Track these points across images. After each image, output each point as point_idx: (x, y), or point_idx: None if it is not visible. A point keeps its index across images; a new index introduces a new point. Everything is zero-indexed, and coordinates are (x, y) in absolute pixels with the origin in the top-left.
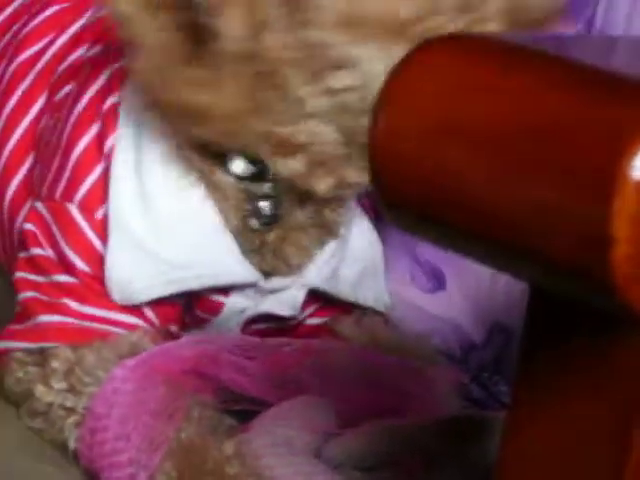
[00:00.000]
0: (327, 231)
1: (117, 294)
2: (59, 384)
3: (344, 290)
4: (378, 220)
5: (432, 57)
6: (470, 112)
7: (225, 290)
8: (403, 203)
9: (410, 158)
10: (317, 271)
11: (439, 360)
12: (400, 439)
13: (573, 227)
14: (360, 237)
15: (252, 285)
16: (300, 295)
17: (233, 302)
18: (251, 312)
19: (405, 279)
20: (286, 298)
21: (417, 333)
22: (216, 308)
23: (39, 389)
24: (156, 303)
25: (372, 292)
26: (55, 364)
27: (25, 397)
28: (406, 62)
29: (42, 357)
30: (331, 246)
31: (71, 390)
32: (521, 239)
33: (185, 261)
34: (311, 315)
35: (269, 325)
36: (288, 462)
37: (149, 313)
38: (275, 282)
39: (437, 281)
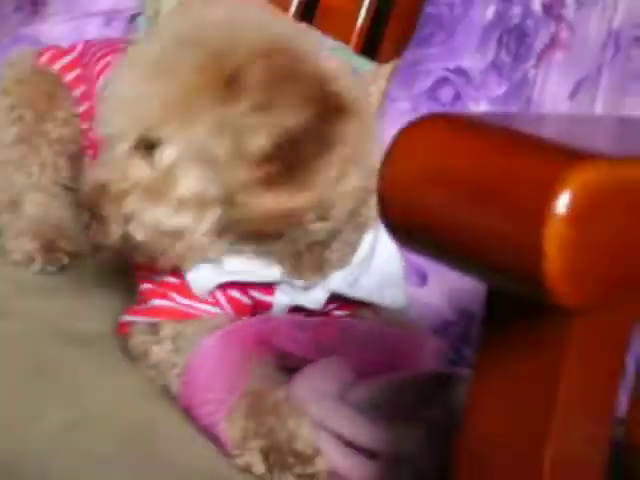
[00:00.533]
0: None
1: (196, 290)
2: (168, 346)
3: (362, 294)
4: None
5: (421, 129)
6: (446, 167)
7: (271, 291)
8: (403, 231)
9: (407, 199)
10: (341, 279)
11: (427, 332)
12: (399, 387)
13: (518, 247)
14: (383, 253)
15: (288, 284)
16: (324, 296)
17: (278, 299)
18: (290, 304)
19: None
20: (313, 296)
21: (409, 316)
22: (268, 306)
23: (154, 349)
24: (229, 299)
25: (389, 296)
26: (164, 332)
27: (143, 354)
28: (403, 132)
29: (155, 328)
30: (357, 258)
31: (176, 351)
32: (483, 255)
33: (237, 269)
34: (337, 308)
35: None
36: (321, 404)
37: (226, 306)
38: (306, 283)
39: (421, 278)
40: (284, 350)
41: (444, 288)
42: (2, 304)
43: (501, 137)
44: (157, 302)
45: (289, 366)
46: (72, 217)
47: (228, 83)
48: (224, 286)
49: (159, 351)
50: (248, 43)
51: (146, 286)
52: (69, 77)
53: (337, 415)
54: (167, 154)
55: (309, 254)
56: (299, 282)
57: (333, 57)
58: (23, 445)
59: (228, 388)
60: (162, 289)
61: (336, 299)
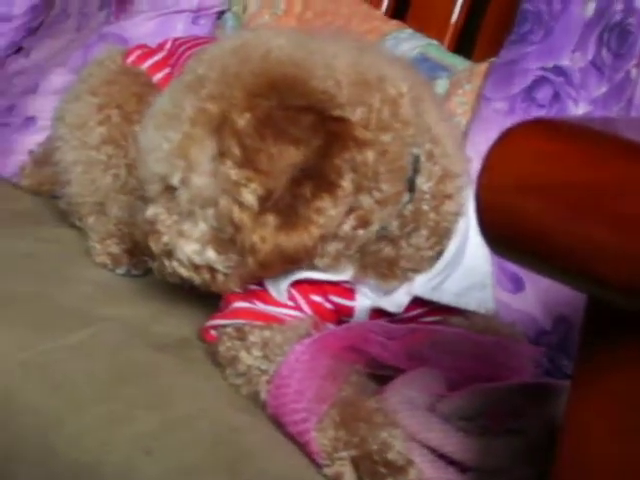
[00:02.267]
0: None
1: (273, 291)
2: (257, 353)
3: (446, 298)
4: None
5: (519, 136)
6: (545, 174)
7: (352, 295)
8: (500, 239)
9: (505, 207)
10: (424, 283)
11: (521, 340)
12: (493, 397)
13: (623, 257)
14: (473, 256)
15: (366, 287)
16: (405, 299)
17: (359, 303)
18: (372, 306)
19: (495, 283)
20: (395, 299)
21: (507, 321)
22: (349, 310)
23: (243, 355)
24: (311, 303)
25: (476, 301)
26: (253, 339)
27: (231, 361)
28: (501, 139)
29: (242, 334)
30: (442, 263)
31: (265, 358)
32: (585, 265)
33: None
34: (426, 314)
35: (386, 319)
36: (412, 415)
37: (307, 310)
38: (387, 286)
39: (517, 284)
40: (374, 357)
41: (540, 295)
42: (89, 309)
43: (604, 143)
44: (239, 304)
45: (380, 374)
46: None
47: (216, 131)
48: (304, 289)
49: (248, 358)
50: (240, 81)
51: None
52: (158, 77)
53: (429, 427)
54: (182, 198)
55: (374, 257)
56: (375, 284)
57: (391, 61)
58: (109, 448)
59: (319, 396)
60: (245, 295)
61: (424, 304)
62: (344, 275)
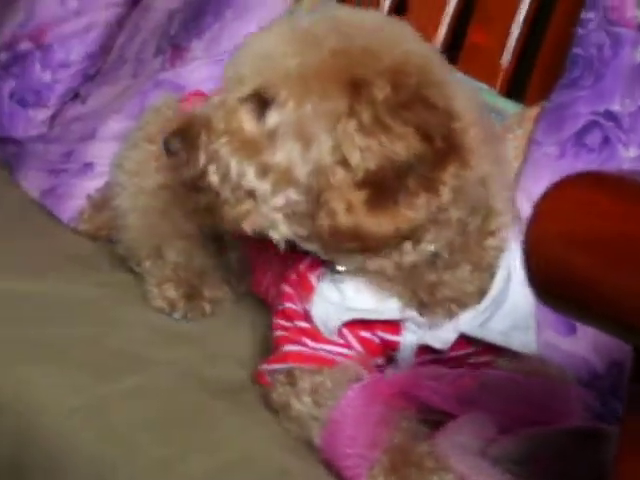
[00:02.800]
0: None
1: (324, 331)
2: (307, 399)
3: (492, 336)
4: None
5: (567, 189)
6: (591, 228)
7: (398, 330)
8: (547, 289)
9: (552, 259)
10: (470, 320)
11: (572, 384)
12: (543, 442)
13: None
14: (517, 295)
15: (412, 322)
16: (452, 336)
17: (406, 339)
18: (417, 342)
19: (547, 326)
20: (441, 335)
21: (556, 364)
22: (395, 345)
23: (293, 401)
24: (360, 339)
25: (519, 341)
26: (303, 384)
27: (284, 406)
28: (551, 191)
29: (293, 379)
30: (487, 300)
31: (316, 403)
32: (630, 317)
33: (360, 306)
34: (474, 354)
35: (433, 356)
36: (462, 459)
37: (357, 346)
38: (433, 321)
39: (570, 327)
40: (426, 402)
41: (592, 339)
42: (145, 352)
43: None
44: (289, 347)
45: (431, 419)
46: (216, 265)
47: (352, 86)
48: (352, 326)
49: (298, 404)
50: (393, 53)
51: (279, 333)
52: None
53: (479, 470)
54: (275, 118)
55: (417, 281)
56: (423, 319)
57: (465, 90)
58: None
59: (371, 442)
60: (294, 335)
61: (470, 344)
62: (390, 310)
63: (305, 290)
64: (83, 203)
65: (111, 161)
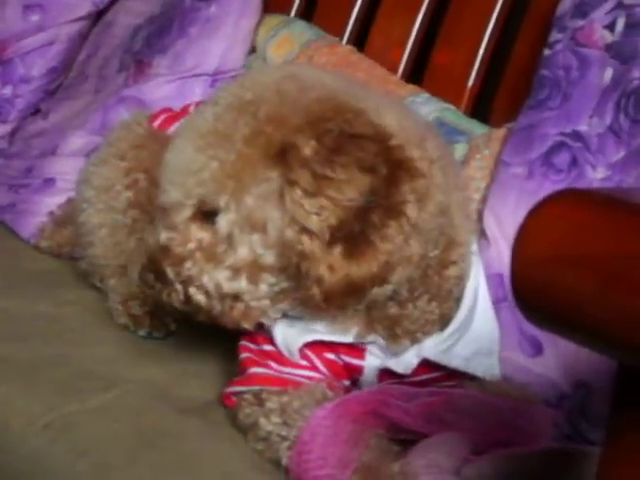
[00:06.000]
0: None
1: (287, 354)
2: (276, 419)
3: (455, 362)
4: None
5: (553, 206)
6: (578, 246)
7: (361, 354)
8: (534, 308)
9: (538, 277)
10: (434, 346)
11: (539, 404)
12: (515, 463)
13: None
14: (481, 322)
15: (375, 346)
16: (414, 361)
17: (369, 363)
18: (380, 366)
19: (514, 346)
20: (403, 361)
21: (523, 385)
22: (359, 369)
23: (262, 421)
24: (325, 362)
25: (483, 366)
26: (271, 405)
27: (252, 427)
28: (536, 209)
29: (260, 400)
30: (452, 327)
31: (284, 424)
32: (618, 335)
33: (322, 329)
34: (437, 379)
35: (396, 380)
36: (437, 479)
37: (322, 368)
38: (396, 346)
39: (536, 348)
40: (395, 422)
41: (560, 359)
42: (111, 371)
43: (631, 214)
44: (254, 370)
45: (400, 438)
46: None
47: (278, 157)
48: (317, 349)
49: (267, 424)
50: (301, 107)
51: (245, 355)
52: None
53: None
54: (224, 223)
55: (377, 315)
56: (383, 344)
57: (394, 111)
58: None
59: (341, 462)
60: (260, 358)
61: (433, 368)
62: (350, 336)
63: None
64: (44, 220)
65: (77, 177)
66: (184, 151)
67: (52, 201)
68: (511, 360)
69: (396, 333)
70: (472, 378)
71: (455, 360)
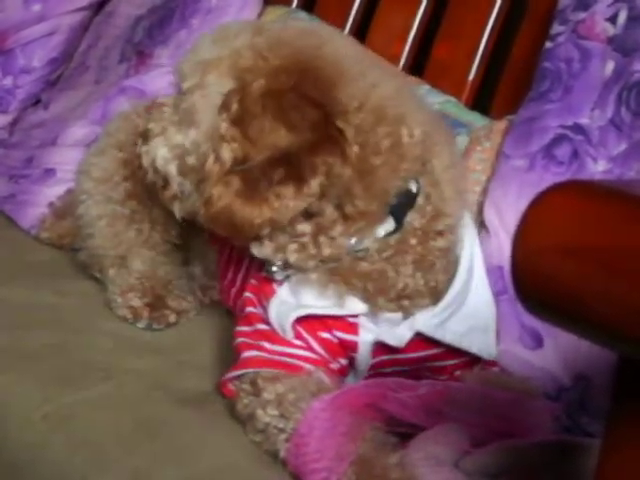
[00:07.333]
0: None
1: (280, 331)
2: (273, 411)
3: (449, 337)
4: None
5: (556, 197)
6: (580, 237)
7: (355, 330)
8: (535, 300)
9: (539, 268)
10: (427, 319)
11: (536, 396)
12: (515, 455)
13: None
14: (477, 298)
15: (368, 319)
16: (408, 334)
17: (362, 338)
18: (374, 340)
19: (514, 339)
20: (396, 333)
21: (523, 377)
22: (353, 345)
23: (259, 413)
24: (319, 340)
25: (477, 343)
26: (267, 396)
27: (249, 418)
28: (538, 200)
29: (258, 390)
30: (445, 301)
31: (282, 416)
32: (619, 327)
33: (312, 303)
34: (436, 356)
35: (391, 356)
36: (436, 471)
37: (317, 347)
38: (389, 317)
39: (537, 340)
40: (393, 414)
41: (559, 352)
42: (109, 362)
43: (634, 206)
44: (248, 354)
45: (399, 431)
46: (181, 275)
47: (237, 78)
48: (310, 327)
49: (264, 416)
50: (282, 53)
51: (239, 340)
52: None
53: None
54: (182, 105)
55: (345, 271)
56: (378, 314)
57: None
58: None
59: (338, 454)
60: (254, 339)
61: (432, 345)
62: (343, 309)
63: (266, 295)
64: (44, 210)
65: (76, 167)
66: (204, 39)
67: (51, 192)
68: (511, 353)
69: (372, 293)
70: (471, 358)
71: (449, 335)
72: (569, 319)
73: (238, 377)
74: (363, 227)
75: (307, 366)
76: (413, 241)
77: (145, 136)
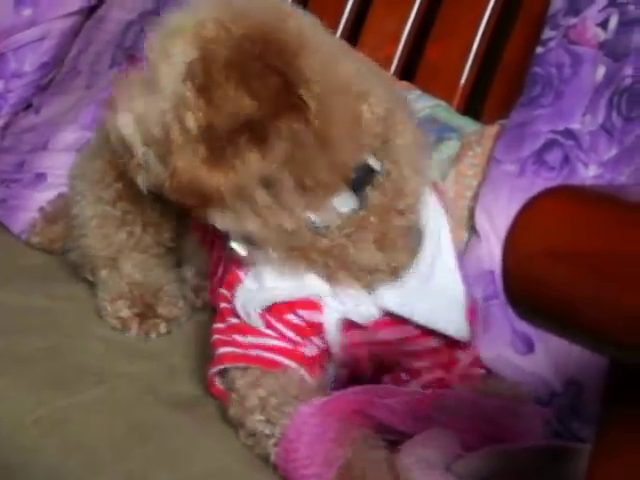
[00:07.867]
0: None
1: (247, 320)
2: (258, 416)
3: (418, 317)
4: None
5: (547, 202)
6: (570, 241)
7: (319, 309)
8: (526, 305)
9: (530, 273)
10: (392, 297)
11: (525, 401)
12: (506, 459)
13: None
14: (444, 278)
15: (332, 297)
16: (373, 310)
17: (328, 317)
18: (340, 318)
19: (506, 344)
20: (362, 310)
21: (514, 382)
22: (319, 326)
23: (247, 418)
24: (287, 324)
25: (453, 325)
26: (249, 403)
27: (241, 424)
28: (529, 205)
29: (241, 397)
30: (410, 276)
31: (267, 421)
32: (610, 331)
33: (277, 287)
34: (413, 339)
35: (363, 337)
36: (427, 474)
37: (288, 333)
38: (350, 293)
39: (528, 346)
40: (382, 421)
41: (551, 357)
42: (102, 366)
43: (634, 211)
44: (222, 350)
45: (387, 438)
46: (172, 279)
47: (201, 49)
48: (277, 312)
49: (251, 421)
50: (244, 24)
51: (215, 337)
52: None
53: None
54: (153, 71)
55: (305, 247)
56: (341, 292)
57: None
58: None
59: (327, 460)
60: (226, 335)
61: (405, 325)
62: (307, 287)
63: (232, 283)
64: (34, 215)
65: (70, 170)
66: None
67: (43, 196)
68: (502, 358)
69: (333, 269)
70: (446, 340)
71: (418, 314)
72: (560, 324)
73: (220, 374)
74: (321, 198)
75: (284, 361)
76: (374, 219)
77: (112, 106)
